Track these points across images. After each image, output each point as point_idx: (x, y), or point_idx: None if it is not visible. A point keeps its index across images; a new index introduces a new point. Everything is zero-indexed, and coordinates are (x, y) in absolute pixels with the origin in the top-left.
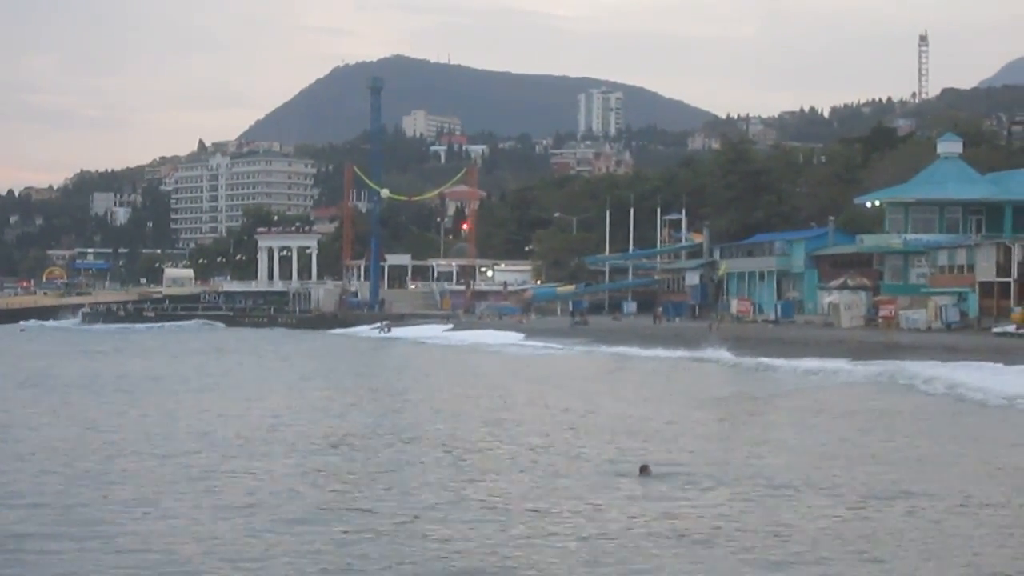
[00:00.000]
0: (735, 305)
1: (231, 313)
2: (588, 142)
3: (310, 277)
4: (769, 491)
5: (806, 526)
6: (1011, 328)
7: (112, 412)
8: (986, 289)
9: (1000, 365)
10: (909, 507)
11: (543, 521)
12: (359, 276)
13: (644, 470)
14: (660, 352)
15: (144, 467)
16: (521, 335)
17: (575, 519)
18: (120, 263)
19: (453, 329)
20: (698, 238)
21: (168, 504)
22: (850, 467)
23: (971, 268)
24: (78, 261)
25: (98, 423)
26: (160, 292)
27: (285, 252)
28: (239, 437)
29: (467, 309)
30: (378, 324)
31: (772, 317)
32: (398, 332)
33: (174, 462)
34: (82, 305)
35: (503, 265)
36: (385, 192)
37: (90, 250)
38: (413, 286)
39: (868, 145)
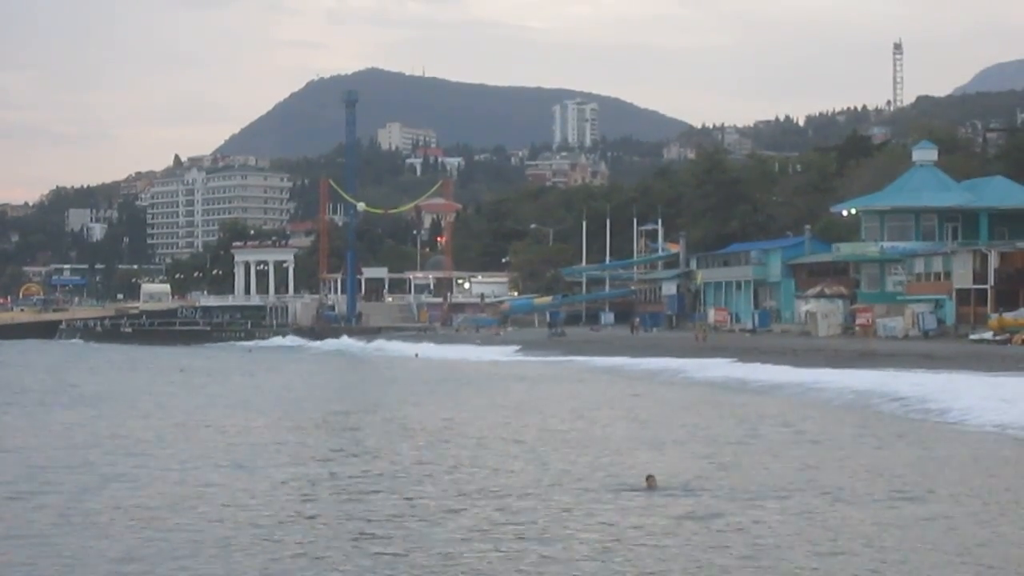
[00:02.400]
0: (712, 315)
1: (208, 328)
2: (563, 153)
3: (287, 291)
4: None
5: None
6: (988, 335)
7: None
8: (963, 296)
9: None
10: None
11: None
12: (336, 290)
13: (649, 481)
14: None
15: None
16: (512, 348)
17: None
18: (96, 279)
19: (430, 342)
20: (674, 248)
21: None
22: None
23: (947, 275)
24: (54, 277)
25: None
26: (137, 307)
27: (262, 266)
28: None
29: (444, 322)
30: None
31: (749, 326)
32: (376, 347)
33: None
34: (59, 322)
35: (480, 277)
36: (361, 205)
37: (66, 266)
38: (390, 299)
39: (843, 153)
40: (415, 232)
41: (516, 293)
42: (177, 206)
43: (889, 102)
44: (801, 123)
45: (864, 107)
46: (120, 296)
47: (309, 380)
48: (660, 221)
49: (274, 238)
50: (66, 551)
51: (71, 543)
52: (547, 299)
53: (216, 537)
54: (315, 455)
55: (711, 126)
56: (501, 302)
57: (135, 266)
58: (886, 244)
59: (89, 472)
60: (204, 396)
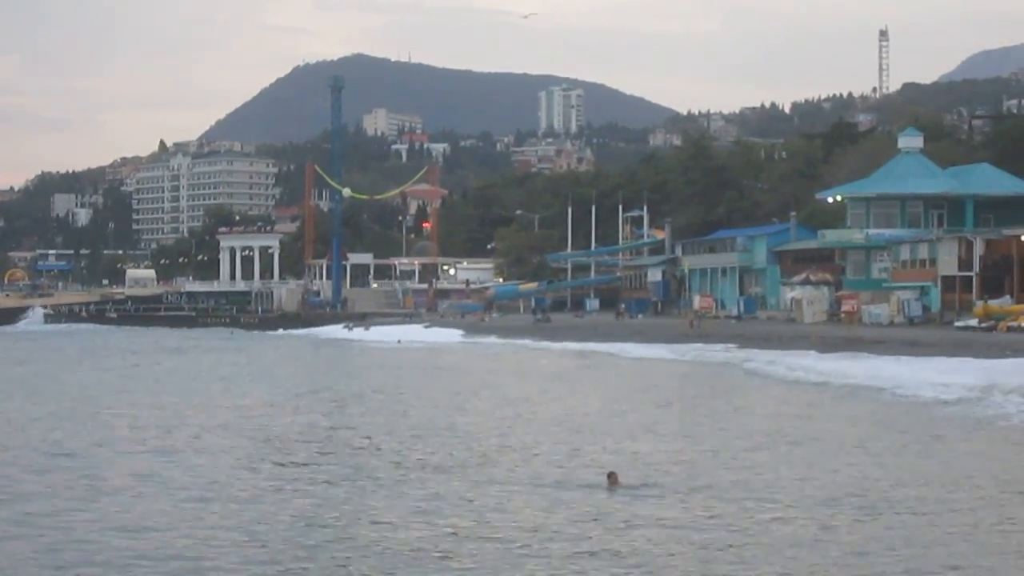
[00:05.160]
0: (697, 301)
1: (193, 313)
2: (549, 139)
3: (272, 277)
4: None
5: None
6: (973, 322)
7: None
8: (948, 283)
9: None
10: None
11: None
12: (321, 275)
13: (612, 478)
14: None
15: None
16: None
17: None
18: (82, 264)
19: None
20: (660, 235)
21: None
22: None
23: (933, 262)
24: (40, 263)
25: None
26: (122, 293)
27: (247, 252)
28: None
29: (430, 308)
30: (344, 323)
31: (735, 313)
32: (371, 334)
33: None
34: (44, 307)
35: (465, 263)
36: (346, 191)
37: (51, 251)
38: (375, 285)
39: (829, 140)
40: (400, 218)
41: (501, 279)
42: (162, 191)
43: (875, 89)
44: (787, 110)
45: (850, 94)
46: (105, 281)
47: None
48: (646, 207)
49: (259, 224)
50: None
51: None
52: (532, 285)
53: None
54: None
55: (697, 112)
56: (486, 288)
57: (120, 251)
58: (871, 231)
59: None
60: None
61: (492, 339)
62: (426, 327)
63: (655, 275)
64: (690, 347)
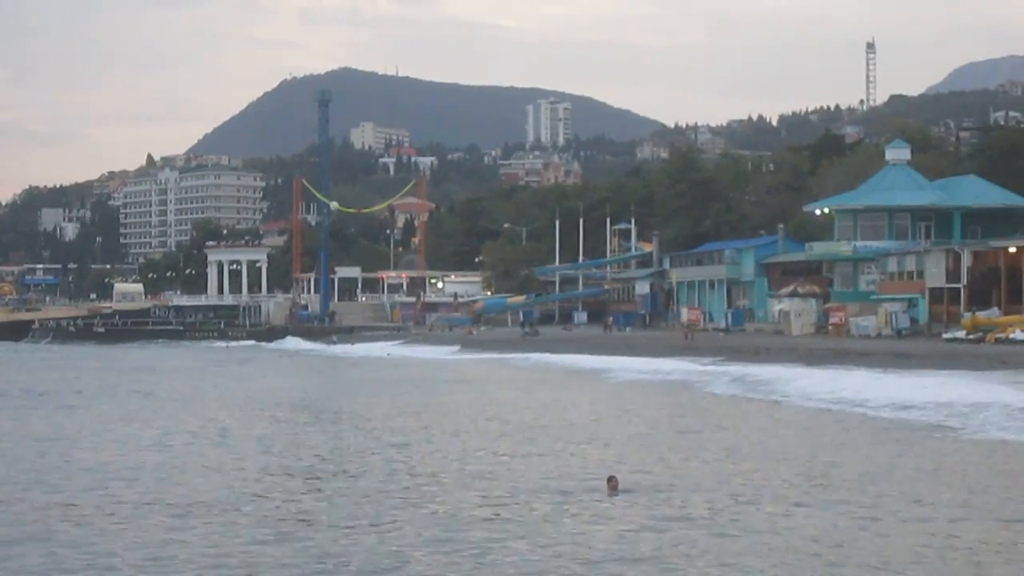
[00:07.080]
0: (685, 314)
1: (181, 327)
2: (537, 152)
3: (260, 291)
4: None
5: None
6: (961, 334)
7: None
8: (936, 295)
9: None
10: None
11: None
12: (309, 289)
13: (611, 482)
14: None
15: None
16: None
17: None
18: (70, 279)
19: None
20: (647, 247)
21: None
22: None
23: (920, 274)
24: (27, 277)
25: None
26: (110, 307)
27: (235, 266)
28: None
29: (417, 321)
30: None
31: (723, 326)
32: (354, 349)
33: None
34: (32, 321)
35: (453, 276)
36: (334, 205)
37: (39, 266)
38: (363, 299)
39: (817, 153)
40: (388, 231)
41: (489, 292)
42: (150, 205)
43: (862, 101)
44: (774, 122)
45: (837, 106)
46: (93, 296)
47: None
48: (633, 220)
49: (247, 238)
50: None
51: None
52: (520, 298)
53: None
54: None
55: (684, 125)
56: (474, 301)
57: (108, 266)
58: (859, 243)
59: None
60: None
61: (489, 355)
62: (398, 344)
63: (643, 288)
64: (691, 360)
